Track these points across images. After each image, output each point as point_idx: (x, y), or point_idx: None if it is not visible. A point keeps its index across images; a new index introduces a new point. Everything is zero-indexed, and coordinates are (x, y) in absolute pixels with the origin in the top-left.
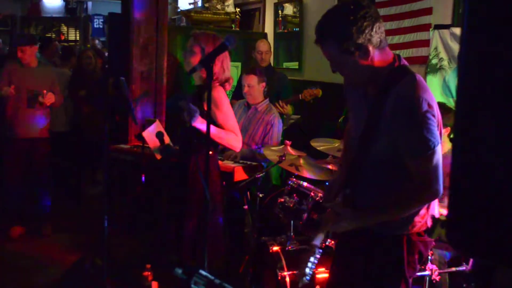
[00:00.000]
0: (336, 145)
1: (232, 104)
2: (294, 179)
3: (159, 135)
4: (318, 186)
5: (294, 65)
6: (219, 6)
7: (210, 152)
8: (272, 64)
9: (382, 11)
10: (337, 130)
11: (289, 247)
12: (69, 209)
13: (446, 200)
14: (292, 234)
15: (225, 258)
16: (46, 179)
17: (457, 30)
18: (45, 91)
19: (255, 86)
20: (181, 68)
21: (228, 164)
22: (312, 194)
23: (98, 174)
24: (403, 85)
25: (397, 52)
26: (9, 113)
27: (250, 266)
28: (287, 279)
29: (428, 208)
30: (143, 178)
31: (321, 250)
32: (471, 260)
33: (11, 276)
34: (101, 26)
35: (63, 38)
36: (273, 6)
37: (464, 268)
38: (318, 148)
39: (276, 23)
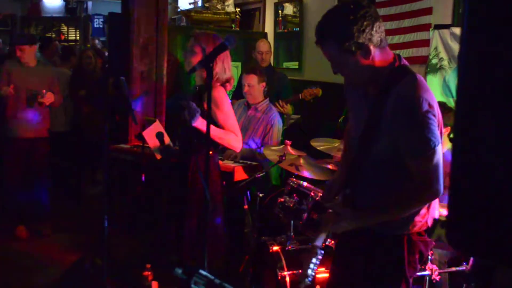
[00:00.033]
0: (336, 145)
1: (232, 104)
2: (294, 179)
3: (159, 136)
4: (318, 186)
5: (294, 65)
6: (219, 6)
7: (210, 152)
8: (272, 64)
9: (382, 11)
10: (337, 130)
11: (289, 247)
12: (69, 209)
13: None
14: (292, 234)
15: (225, 258)
16: (45, 179)
17: (457, 30)
18: (44, 91)
19: (255, 86)
20: (181, 68)
21: (228, 164)
22: (312, 194)
23: (98, 174)
24: (404, 85)
25: (397, 52)
26: (9, 113)
27: (250, 266)
28: (287, 279)
29: (428, 207)
30: (143, 178)
31: (323, 251)
32: (471, 260)
33: (11, 275)
34: (101, 26)
35: (63, 38)
36: (273, 6)
37: (464, 268)
38: (318, 148)
39: (276, 23)
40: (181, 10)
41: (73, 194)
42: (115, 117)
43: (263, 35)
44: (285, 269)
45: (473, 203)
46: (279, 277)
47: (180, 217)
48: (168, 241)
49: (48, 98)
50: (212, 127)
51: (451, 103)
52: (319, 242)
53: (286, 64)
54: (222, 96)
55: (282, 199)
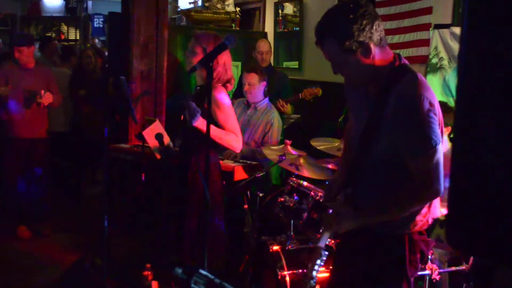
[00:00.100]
0: (336, 144)
1: (231, 103)
2: (294, 178)
3: (158, 137)
4: (318, 185)
5: (294, 64)
6: (219, 6)
7: (211, 150)
8: (272, 64)
9: (382, 11)
10: (337, 129)
11: (289, 247)
12: (69, 209)
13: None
14: (292, 233)
15: (225, 258)
16: (45, 180)
17: (457, 30)
18: (42, 91)
19: (255, 85)
20: (181, 68)
21: (228, 163)
22: (312, 193)
23: (98, 174)
24: (404, 84)
25: (397, 51)
26: (8, 113)
27: (250, 266)
28: (287, 278)
29: (429, 206)
30: (143, 177)
31: (327, 252)
32: (470, 260)
33: (11, 275)
34: (101, 26)
35: (63, 37)
36: (273, 6)
37: (464, 267)
38: (318, 148)
39: (276, 23)
40: (181, 9)
41: (73, 194)
42: (115, 117)
43: (263, 34)
44: (285, 268)
45: (473, 203)
46: (279, 277)
47: (180, 217)
48: (168, 241)
49: (47, 98)
50: (212, 127)
51: (451, 102)
52: (322, 243)
53: (286, 64)
54: (223, 96)
55: (282, 199)
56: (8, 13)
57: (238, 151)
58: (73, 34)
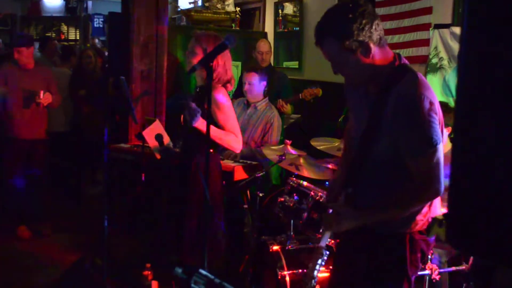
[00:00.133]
0: (336, 144)
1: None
2: (294, 178)
3: (158, 138)
4: (318, 185)
5: (294, 64)
6: (219, 6)
7: (211, 150)
8: (272, 64)
9: (382, 11)
10: (337, 129)
11: (289, 247)
12: (69, 209)
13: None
14: (292, 233)
15: (225, 258)
16: (45, 180)
17: (457, 30)
18: (42, 91)
19: (256, 84)
20: (181, 68)
21: (228, 163)
22: (312, 193)
23: (98, 174)
24: (404, 83)
25: (397, 51)
26: (8, 114)
27: (250, 266)
28: (287, 278)
29: (430, 206)
30: (143, 177)
31: (327, 252)
32: (471, 260)
33: (11, 275)
34: (101, 26)
35: (63, 37)
36: (273, 6)
37: (464, 267)
38: (318, 148)
39: (276, 23)
40: (181, 9)
41: (73, 194)
42: (115, 117)
43: (263, 34)
44: (285, 268)
45: (473, 203)
46: (279, 277)
47: (180, 217)
48: (168, 241)
49: (46, 98)
50: (212, 127)
51: (451, 102)
52: (323, 243)
53: (286, 64)
54: (223, 97)
55: (282, 199)
56: (8, 13)
57: (238, 151)
58: (73, 34)
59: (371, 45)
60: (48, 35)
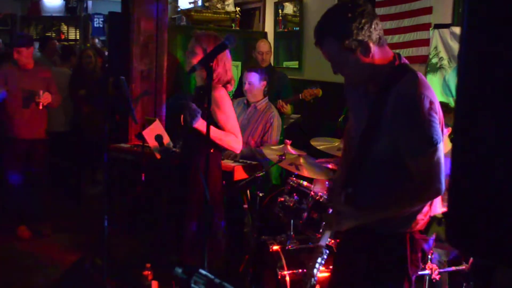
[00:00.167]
0: (336, 144)
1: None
2: (294, 178)
3: (158, 138)
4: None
5: (294, 64)
6: (219, 5)
7: (211, 150)
8: (272, 64)
9: (382, 10)
10: (337, 129)
11: (289, 247)
12: (69, 209)
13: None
14: (292, 233)
15: (225, 258)
16: (45, 180)
17: (457, 30)
18: (41, 91)
19: (256, 84)
20: (181, 68)
21: (228, 163)
22: (312, 193)
23: (98, 174)
24: (404, 83)
25: (397, 51)
26: (7, 114)
27: (250, 266)
28: (287, 278)
29: (430, 205)
30: (143, 177)
31: (327, 251)
32: (470, 259)
33: (11, 275)
34: (101, 25)
35: (63, 37)
36: (273, 5)
37: (464, 267)
38: (318, 148)
39: (276, 22)
40: (181, 9)
41: (73, 194)
42: (115, 117)
43: (263, 34)
44: (285, 268)
45: (473, 203)
46: (279, 277)
47: (180, 217)
48: (168, 241)
49: (45, 98)
50: (212, 128)
51: (451, 102)
52: (323, 242)
53: (286, 64)
54: (223, 97)
55: (282, 199)
56: (8, 13)
57: (237, 151)
58: (73, 34)
59: (371, 45)
60: (48, 35)
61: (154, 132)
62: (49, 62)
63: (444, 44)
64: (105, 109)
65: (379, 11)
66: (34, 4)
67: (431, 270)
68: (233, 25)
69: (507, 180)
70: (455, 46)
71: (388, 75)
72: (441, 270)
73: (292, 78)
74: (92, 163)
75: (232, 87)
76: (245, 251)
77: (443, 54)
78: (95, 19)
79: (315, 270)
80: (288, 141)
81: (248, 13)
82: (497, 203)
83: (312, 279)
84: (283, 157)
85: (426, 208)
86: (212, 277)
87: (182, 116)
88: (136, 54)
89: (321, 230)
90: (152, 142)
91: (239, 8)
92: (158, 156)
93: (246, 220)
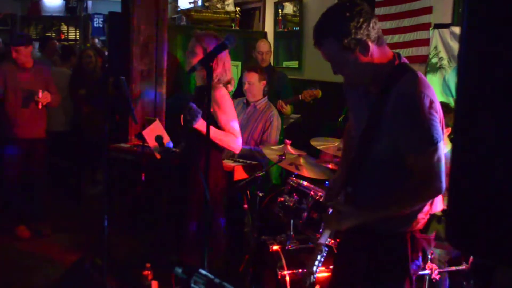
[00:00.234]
0: (336, 144)
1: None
2: (294, 178)
3: (158, 139)
4: (318, 185)
5: (294, 64)
6: (219, 5)
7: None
8: (272, 63)
9: (382, 10)
10: (337, 129)
11: (289, 246)
12: (69, 209)
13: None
14: (292, 233)
15: (225, 258)
16: (45, 180)
17: (457, 29)
18: (40, 91)
19: (255, 84)
20: (181, 68)
21: (228, 163)
22: (312, 193)
23: (98, 174)
24: (404, 82)
25: (397, 51)
26: (7, 113)
27: (250, 266)
28: (287, 278)
29: (431, 204)
30: (143, 177)
31: (327, 249)
32: (470, 259)
33: (11, 275)
34: (101, 25)
35: (63, 37)
36: (273, 5)
37: (464, 267)
38: (318, 147)
39: (276, 22)
40: (181, 9)
41: (73, 194)
42: (115, 117)
43: (263, 34)
44: (285, 268)
45: (473, 203)
46: (279, 277)
47: (180, 217)
48: (168, 241)
49: (45, 97)
50: (212, 128)
51: (451, 102)
52: (323, 240)
53: (286, 64)
54: (224, 97)
55: (282, 199)
56: (8, 13)
57: (237, 152)
58: (73, 34)
59: (370, 43)
60: (48, 35)
61: (154, 132)
62: (49, 62)
63: (444, 44)
64: (105, 109)
65: (379, 11)
66: (34, 4)
67: (431, 270)
68: (233, 25)
69: (507, 180)
70: (455, 46)
71: (388, 74)
72: (441, 270)
73: (292, 78)
74: (92, 163)
75: (232, 87)
76: (245, 251)
77: (443, 54)
78: (95, 19)
79: (314, 268)
80: (288, 141)
81: (248, 13)
82: (497, 203)
83: (312, 276)
84: (283, 157)
85: (427, 207)
86: (212, 277)
87: (182, 116)
88: (136, 54)
89: (321, 230)
90: (152, 142)
91: (239, 8)
92: (158, 156)
93: (246, 220)
